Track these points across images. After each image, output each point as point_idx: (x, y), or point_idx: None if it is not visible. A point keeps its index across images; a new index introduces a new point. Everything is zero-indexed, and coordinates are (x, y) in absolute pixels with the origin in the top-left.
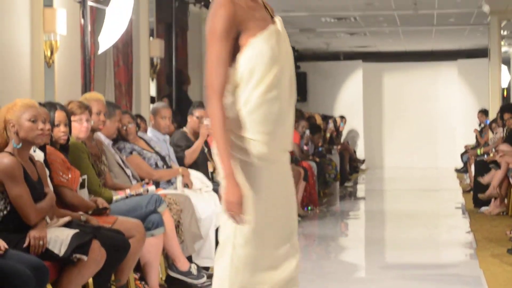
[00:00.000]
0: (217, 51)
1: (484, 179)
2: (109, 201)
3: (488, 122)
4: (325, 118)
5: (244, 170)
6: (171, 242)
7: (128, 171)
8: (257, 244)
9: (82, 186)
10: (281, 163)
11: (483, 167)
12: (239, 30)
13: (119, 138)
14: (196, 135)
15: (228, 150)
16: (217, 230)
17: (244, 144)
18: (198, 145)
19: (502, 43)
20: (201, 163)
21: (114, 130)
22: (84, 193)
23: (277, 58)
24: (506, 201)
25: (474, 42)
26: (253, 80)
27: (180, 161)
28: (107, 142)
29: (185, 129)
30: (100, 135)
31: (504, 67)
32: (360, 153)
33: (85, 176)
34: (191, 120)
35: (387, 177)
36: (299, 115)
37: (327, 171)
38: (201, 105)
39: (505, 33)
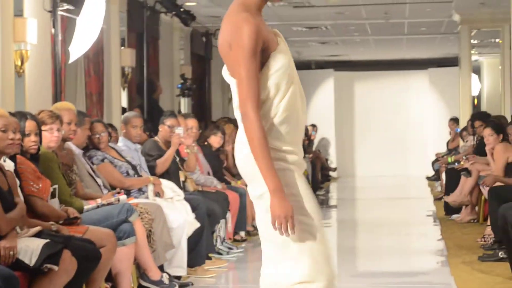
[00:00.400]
0: (248, 67)
1: (449, 198)
2: (80, 210)
3: (459, 130)
4: None
5: (287, 177)
6: (142, 251)
7: (99, 180)
8: (324, 239)
9: (53, 195)
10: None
11: (454, 174)
12: (263, 44)
13: (90, 146)
14: (168, 144)
15: (272, 165)
16: (189, 239)
17: (281, 153)
18: (169, 154)
19: (472, 51)
20: (173, 172)
21: (84, 139)
22: (55, 203)
23: (293, 69)
24: (476, 208)
25: (445, 51)
26: (280, 93)
27: (152, 170)
28: (77, 151)
29: (156, 138)
30: (70, 145)
31: (474, 76)
32: (331, 162)
33: (56, 186)
34: (163, 130)
35: (359, 186)
36: None
37: None
38: (172, 114)
39: (475, 42)
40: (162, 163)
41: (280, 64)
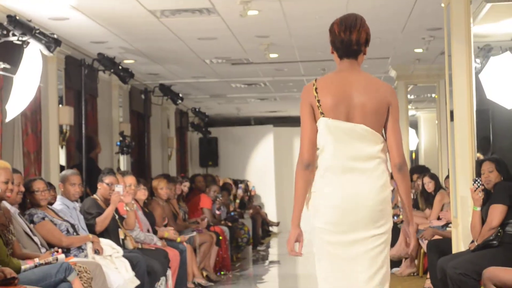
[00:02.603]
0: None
1: (390, 252)
2: (18, 270)
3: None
4: (236, 183)
5: None
6: None
7: (36, 239)
8: None
9: None
10: None
11: (394, 228)
12: None
13: (28, 205)
14: (107, 202)
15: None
16: None
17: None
18: (109, 212)
19: (409, 106)
20: (112, 230)
21: (18, 196)
22: None
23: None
24: (416, 261)
25: None
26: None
27: (91, 228)
28: (12, 210)
29: (95, 196)
30: (5, 204)
31: (411, 130)
32: (272, 217)
33: None
34: (102, 187)
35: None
36: (211, 180)
37: (240, 236)
38: (111, 172)
39: (412, 97)
40: (102, 221)
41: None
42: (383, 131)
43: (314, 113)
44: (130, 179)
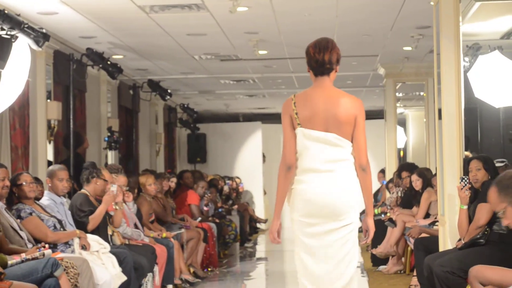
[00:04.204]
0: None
1: (377, 250)
2: (4, 265)
3: (385, 182)
4: (224, 179)
5: None
6: None
7: (23, 234)
8: None
9: None
10: None
11: (380, 226)
12: None
13: (15, 199)
14: (99, 198)
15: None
16: None
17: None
18: (101, 211)
19: (398, 104)
20: (102, 227)
21: (0, 190)
22: None
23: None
24: (403, 259)
25: (371, 103)
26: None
27: (83, 226)
28: (0, 205)
29: (85, 191)
30: None
31: (400, 128)
32: (260, 213)
33: None
34: (98, 183)
35: (288, 237)
36: (199, 176)
37: (227, 232)
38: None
39: (400, 94)
40: (95, 220)
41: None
42: (351, 138)
43: (293, 123)
44: (122, 179)
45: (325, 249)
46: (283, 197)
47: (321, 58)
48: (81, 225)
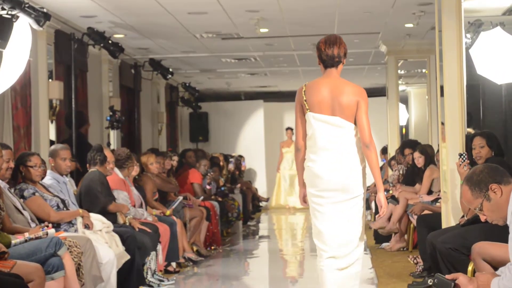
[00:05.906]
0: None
1: (375, 225)
2: (8, 245)
3: (384, 161)
4: (227, 157)
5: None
6: (71, 285)
7: (26, 214)
8: None
9: None
10: None
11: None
12: None
13: (19, 179)
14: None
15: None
16: (118, 272)
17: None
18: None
19: (399, 82)
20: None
21: (4, 172)
22: None
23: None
24: (406, 236)
25: (373, 81)
26: None
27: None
28: (2, 185)
29: (99, 168)
30: None
31: (402, 106)
32: (262, 192)
33: None
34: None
35: (290, 216)
36: (201, 155)
37: (230, 210)
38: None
39: (402, 72)
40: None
41: None
42: (354, 121)
43: (303, 109)
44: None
45: (334, 213)
46: (301, 171)
47: (331, 53)
48: (96, 201)
